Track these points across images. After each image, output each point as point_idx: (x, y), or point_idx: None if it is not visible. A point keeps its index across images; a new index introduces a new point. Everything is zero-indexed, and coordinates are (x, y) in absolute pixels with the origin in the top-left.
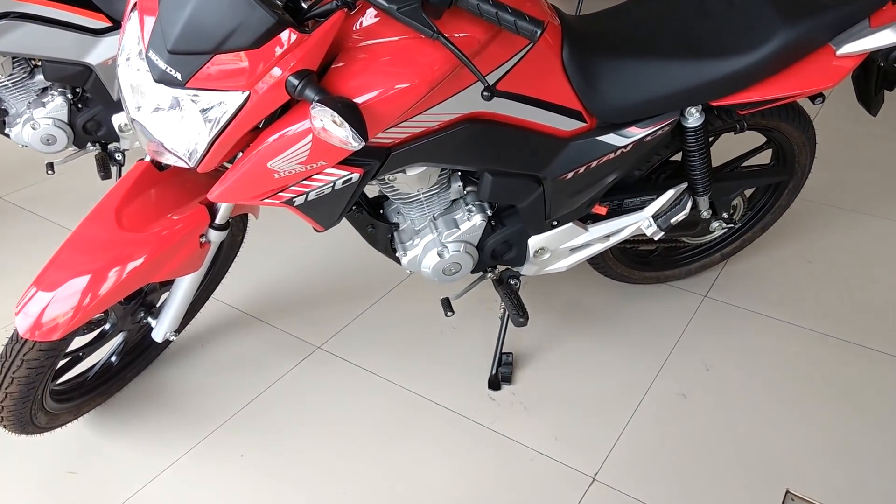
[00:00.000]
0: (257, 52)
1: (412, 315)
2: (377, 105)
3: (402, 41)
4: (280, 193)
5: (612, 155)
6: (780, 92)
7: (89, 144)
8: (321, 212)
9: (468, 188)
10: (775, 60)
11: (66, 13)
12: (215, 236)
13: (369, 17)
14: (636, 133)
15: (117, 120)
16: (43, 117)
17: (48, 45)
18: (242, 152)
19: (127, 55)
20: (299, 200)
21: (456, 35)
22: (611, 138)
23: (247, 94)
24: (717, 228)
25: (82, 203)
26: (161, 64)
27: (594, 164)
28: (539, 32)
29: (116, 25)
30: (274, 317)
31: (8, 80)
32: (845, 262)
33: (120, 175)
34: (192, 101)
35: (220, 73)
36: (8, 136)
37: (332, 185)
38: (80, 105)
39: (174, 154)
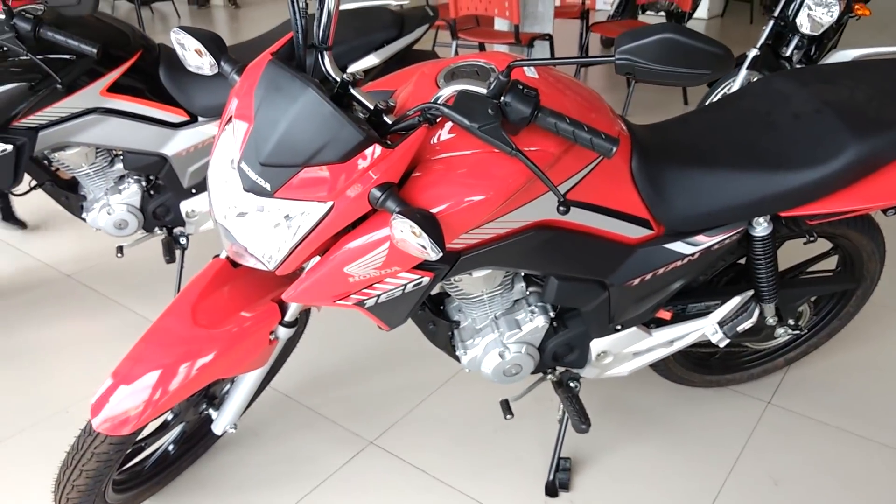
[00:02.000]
0: (343, 166)
1: (466, 411)
2: (454, 215)
3: (479, 154)
4: (352, 296)
5: (678, 262)
6: (850, 205)
7: (156, 228)
8: (390, 313)
9: (531, 288)
10: (845, 174)
11: (149, 108)
12: (284, 333)
13: (446, 132)
14: (704, 242)
15: (185, 206)
16: (118, 203)
17: (131, 137)
18: (319, 256)
19: (220, 163)
20: (370, 302)
21: (530, 149)
22: (678, 246)
23: (330, 204)
24: (783, 334)
25: (147, 284)
26: (252, 175)
27: (661, 270)
28: (614, 150)
29: (193, 118)
30: (327, 407)
31: (90, 169)
32: None
33: (184, 258)
34: (278, 209)
35: (307, 184)
36: (84, 219)
37: (402, 287)
38: (151, 192)
39: (255, 257)
